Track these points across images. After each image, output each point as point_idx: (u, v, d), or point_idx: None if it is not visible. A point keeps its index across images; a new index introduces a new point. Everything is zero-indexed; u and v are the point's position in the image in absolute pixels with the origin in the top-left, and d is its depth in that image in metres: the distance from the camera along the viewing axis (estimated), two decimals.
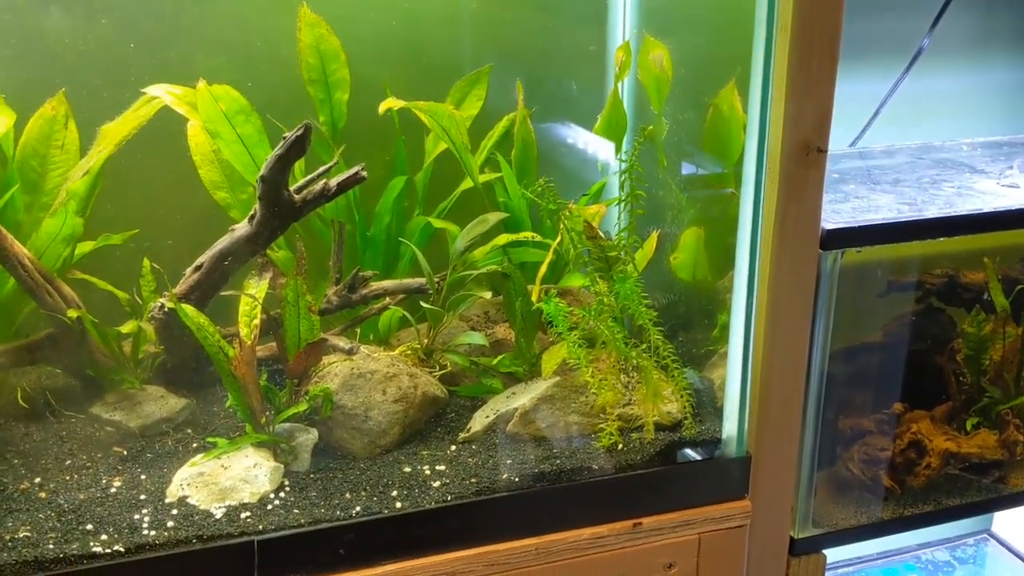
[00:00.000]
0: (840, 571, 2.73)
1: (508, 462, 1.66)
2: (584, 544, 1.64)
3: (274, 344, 1.79)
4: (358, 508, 1.55)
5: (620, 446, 1.69)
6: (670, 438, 1.72)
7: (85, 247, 1.80)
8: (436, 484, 1.61)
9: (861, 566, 2.75)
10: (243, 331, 1.63)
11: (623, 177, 1.76)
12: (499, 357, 1.81)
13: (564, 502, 1.64)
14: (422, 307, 1.87)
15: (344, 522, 1.53)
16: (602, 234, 1.74)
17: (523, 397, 1.74)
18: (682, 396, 1.72)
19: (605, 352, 1.68)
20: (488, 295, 1.79)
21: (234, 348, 1.62)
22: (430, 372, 1.84)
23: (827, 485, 2.03)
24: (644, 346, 1.69)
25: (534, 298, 1.80)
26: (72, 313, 1.66)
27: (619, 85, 1.93)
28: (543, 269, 1.82)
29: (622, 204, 1.78)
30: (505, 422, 1.73)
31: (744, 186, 1.65)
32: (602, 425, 1.70)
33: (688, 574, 1.69)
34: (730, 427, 1.71)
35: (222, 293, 1.70)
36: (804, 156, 1.67)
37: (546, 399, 1.71)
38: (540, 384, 1.75)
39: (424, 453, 1.70)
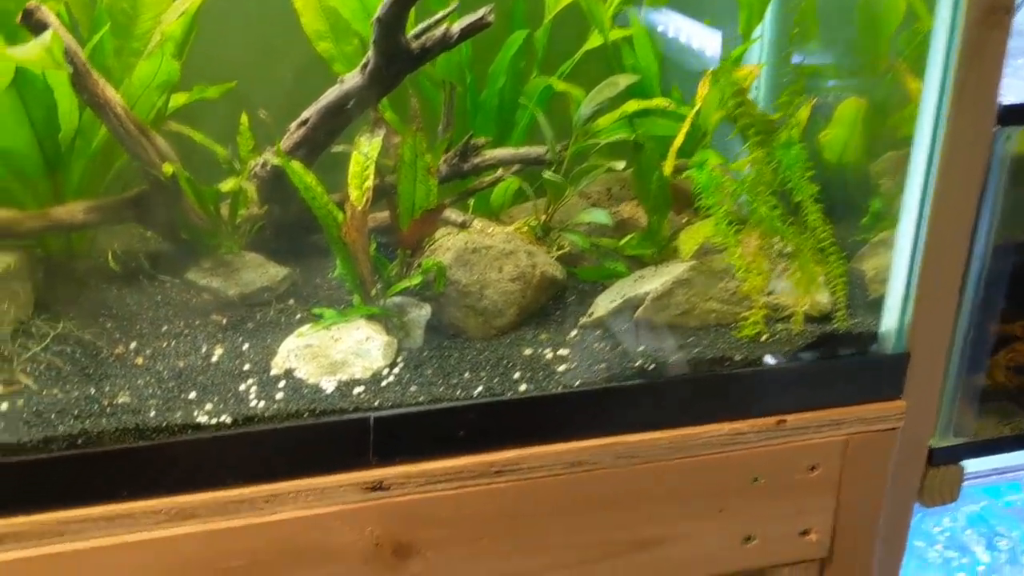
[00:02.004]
0: None
1: (639, 349, 1.51)
2: (722, 440, 1.49)
3: (383, 214, 1.64)
4: (480, 388, 1.41)
5: (764, 337, 1.53)
6: (820, 330, 1.55)
7: (179, 99, 1.65)
8: (561, 369, 1.47)
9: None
10: (354, 193, 1.47)
11: (793, 30, 1.54)
12: (627, 238, 1.63)
13: (701, 395, 1.49)
14: (541, 179, 1.69)
15: (465, 403, 1.39)
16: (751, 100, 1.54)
17: (655, 280, 1.58)
18: (836, 285, 1.54)
19: (754, 232, 1.50)
20: (621, 165, 1.61)
21: (343, 212, 1.47)
22: (547, 251, 1.68)
23: (970, 392, 1.85)
24: (798, 228, 1.51)
25: (667, 172, 1.62)
26: (167, 168, 1.52)
27: None
28: (679, 139, 1.63)
29: (782, 61, 1.57)
30: (633, 307, 1.57)
31: (931, 51, 1.43)
32: (745, 314, 1.53)
33: (831, 478, 1.54)
34: (889, 321, 1.53)
35: (332, 150, 1.54)
36: (988, 17, 1.44)
37: (682, 283, 1.55)
38: (676, 266, 1.58)
39: (543, 336, 1.56)
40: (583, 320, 1.58)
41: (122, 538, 1.28)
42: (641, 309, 1.55)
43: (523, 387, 1.42)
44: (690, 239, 1.53)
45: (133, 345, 1.48)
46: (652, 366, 1.47)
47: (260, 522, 1.32)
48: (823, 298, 1.56)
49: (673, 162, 1.62)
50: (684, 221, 1.66)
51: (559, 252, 1.68)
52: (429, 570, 1.40)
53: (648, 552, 1.48)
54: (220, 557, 1.33)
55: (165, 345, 1.48)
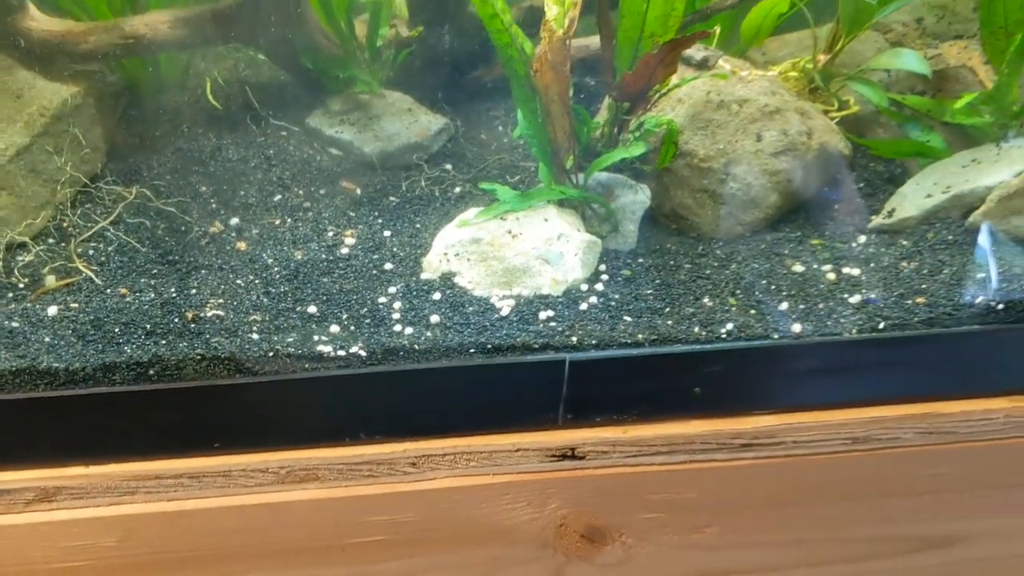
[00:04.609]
0: None
1: (976, 275, 0.98)
2: None
3: (585, 40, 1.13)
4: (728, 325, 0.93)
5: None
6: None
7: None
8: (852, 299, 0.96)
9: None
10: (552, 12, 0.96)
11: None
12: (961, 100, 1.06)
13: None
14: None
15: (704, 345, 0.92)
16: None
17: (1000, 170, 1.03)
18: None
19: None
20: None
21: (535, 41, 0.97)
22: (824, 111, 1.13)
23: None
24: None
25: None
26: None
27: None
28: None
29: None
30: (962, 209, 1.03)
31: None
32: None
33: None
34: None
35: None
36: None
37: None
38: None
39: (816, 243, 1.05)
40: (877, 220, 1.07)
41: (213, 501, 0.92)
42: (979, 213, 1.01)
43: (796, 326, 0.93)
44: None
45: (234, 221, 1.06)
46: (995, 304, 0.95)
47: (402, 490, 0.97)
48: None
49: None
50: None
51: (842, 112, 1.13)
52: (628, 561, 1.00)
53: (939, 552, 1.11)
54: (346, 531, 0.96)
55: (277, 223, 1.06)
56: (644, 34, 0.98)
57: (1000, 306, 0.95)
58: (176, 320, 0.91)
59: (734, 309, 0.96)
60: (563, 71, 0.99)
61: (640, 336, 0.93)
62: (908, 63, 1.11)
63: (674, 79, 1.06)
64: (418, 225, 1.06)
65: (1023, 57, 1.06)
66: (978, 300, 0.95)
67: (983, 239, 1.01)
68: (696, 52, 1.12)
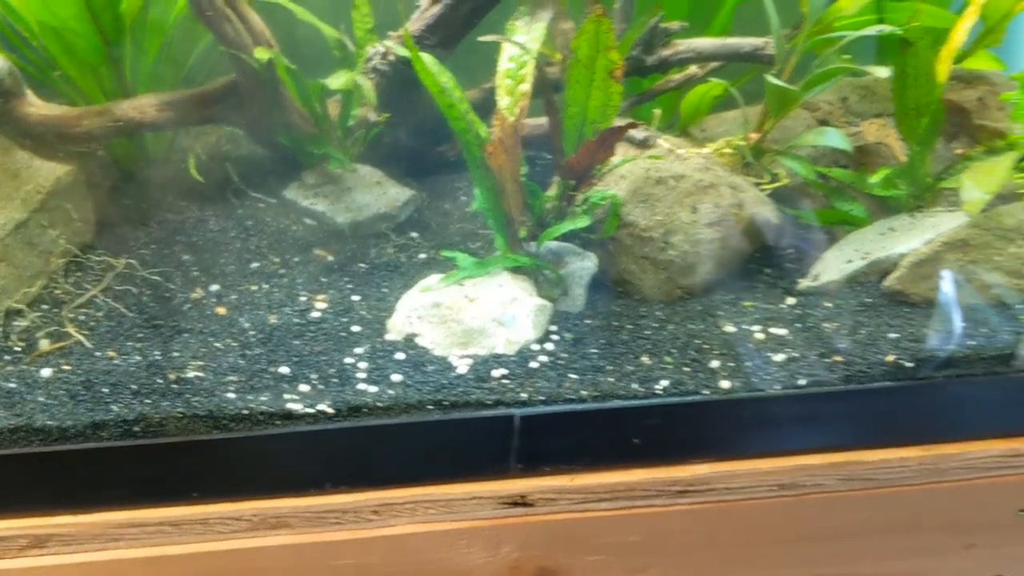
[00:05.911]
0: None
1: (889, 335, 1.08)
2: (989, 463, 1.11)
3: (536, 121, 1.24)
4: (663, 382, 1.02)
5: None
6: None
7: None
8: (778, 358, 1.06)
9: None
10: (504, 102, 1.07)
11: None
12: (879, 173, 1.17)
13: (966, 403, 1.08)
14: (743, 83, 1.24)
15: (642, 401, 1.02)
16: None
17: (913, 238, 1.14)
18: None
19: None
20: (885, 73, 1.13)
21: (489, 126, 1.08)
22: (756, 184, 1.24)
23: None
24: None
25: (940, 79, 1.15)
26: (262, 53, 1.14)
27: None
28: (957, 36, 1.14)
29: None
30: (879, 273, 1.14)
31: None
32: None
33: None
34: None
35: (480, 39, 1.12)
36: None
37: (956, 245, 1.10)
38: (944, 219, 1.13)
39: (747, 305, 1.15)
40: (804, 284, 1.17)
41: (191, 547, 0.99)
42: (893, 277, 1.12)
43: (725, 383, 1.03)
44: (984, 178, 1.06)
45: (214, 288, 1.15)
46: (906, 360, 1.05)
47: (366, 536, 1.04)
48: None
49: (949, 66, 1.14)
50: (959, 153, 1.19)
51: (773, 185, 1.24)
52: None
53: None
54: (315, 574, 1.03)
55: (254, 290, 1.15)
56: (587, 120, 1.09)
57: (904, 361, 1.05)
58: (160, 381, 0.99)
59: (670, 367, 1.06)
60: (515, 153, 1.09)
61: (584, 392, 1.02)
62: (832, 140, 1.22)
63: (619, 157, 1.17)
64: (385, 289, 1.16)
65: (933, 135, 1.18)
66: (880, 356, 1.05)
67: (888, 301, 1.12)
68: (639, 132, 1.23)
